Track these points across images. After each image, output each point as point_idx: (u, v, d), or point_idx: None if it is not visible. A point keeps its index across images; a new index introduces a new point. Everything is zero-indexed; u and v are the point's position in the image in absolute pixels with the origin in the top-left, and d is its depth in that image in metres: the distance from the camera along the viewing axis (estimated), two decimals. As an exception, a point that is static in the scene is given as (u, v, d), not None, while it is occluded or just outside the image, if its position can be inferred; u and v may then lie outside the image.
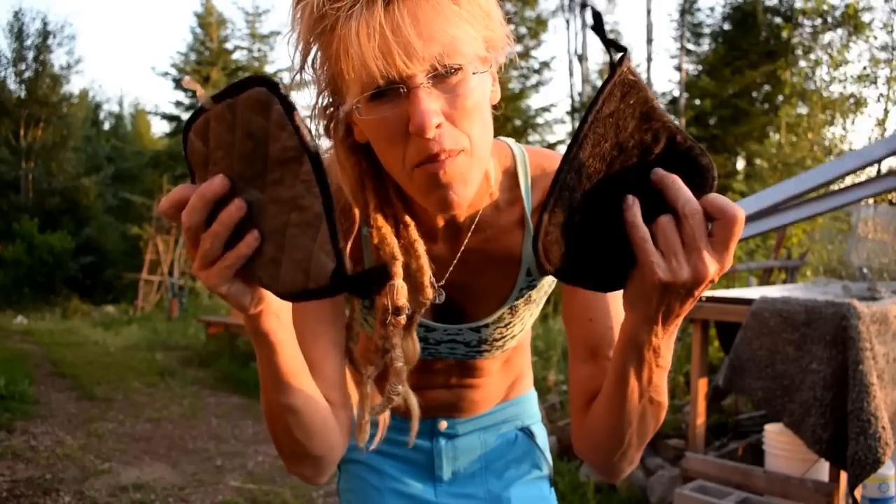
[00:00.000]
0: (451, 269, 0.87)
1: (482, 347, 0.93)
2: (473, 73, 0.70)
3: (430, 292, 0.79)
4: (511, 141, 0.90)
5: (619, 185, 0.63)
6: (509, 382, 1.07)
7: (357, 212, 0.81)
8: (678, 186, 0.61)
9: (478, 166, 0.74)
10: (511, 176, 0.86)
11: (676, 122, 0.63)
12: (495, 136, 0.81)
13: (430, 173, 0.70)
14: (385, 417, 0.83)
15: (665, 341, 0.68)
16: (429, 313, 0.90)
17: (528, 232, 0.87)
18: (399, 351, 0.78)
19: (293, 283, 0.60)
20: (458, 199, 0.72)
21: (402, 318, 0.77)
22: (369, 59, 0.65)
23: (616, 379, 0.73)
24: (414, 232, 0.80)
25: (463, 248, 0.86)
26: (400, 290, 0.76)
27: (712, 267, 0.60)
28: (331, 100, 0.75)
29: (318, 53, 0.72)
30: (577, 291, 0.85)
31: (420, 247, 0.79)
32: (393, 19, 0.65)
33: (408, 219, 0.80)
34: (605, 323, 0.86)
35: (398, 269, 0.77)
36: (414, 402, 0.82)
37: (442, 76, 0.68)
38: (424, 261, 0.79)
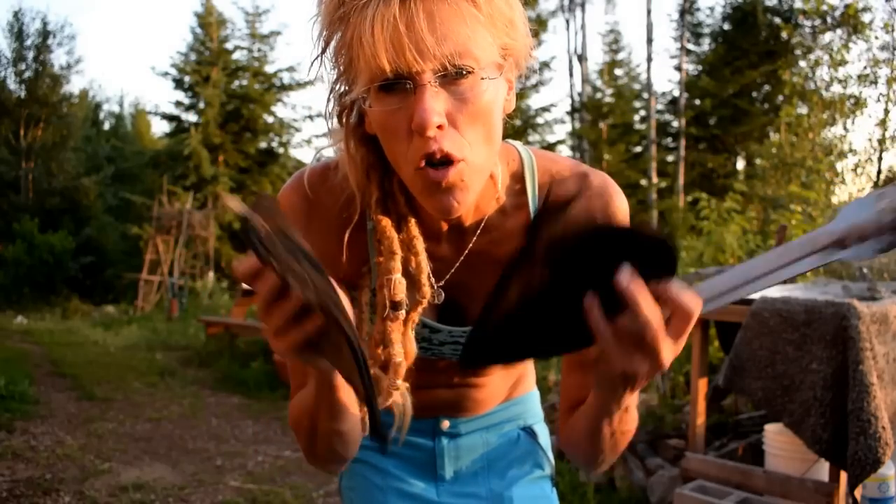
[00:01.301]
0: (454, 270, 0.87)
1: None
2: (484, 79, 0.70)
3: (426, 291, 0.79)
4: (519, 144, 0.89)
5: (576, 281, 0.62)
6: (511, 382, 1.07)
7: (359, 203, 0.81)
8: (639, 298, 0.60)
9: (479, 174, 0.74)
10: (518, 180, 0.86)
11: (641, 218, 0.62)
12: None
13: (431, 180, 0.70)
14: (407, 410, 0.84)
15: (633, 400, 0.74)
16: (433, 314, 0.90)
17: None
18: (398, 347, 0.79)
19: (349, 379, 0.63)
20: (458, 205, 0.73)
21: (401, 314, 0.78)
22: (380, 50, 0.65)
23: (590, 425, 0.78)
24: (414, 228, 0.80)
25: (468, 250, 0.86)
26: (398, 285, 0.77)
27: (669, 356, 0.63)
28: (346, 87, 0.76)
29: (338, 39, 0.72)
30: None
31: (419, 244, 0.79)
32: (408, 14, 0.65)
33: (410, 215, 0.80)
34: None
35: (397, 264, 0.77)
36: (408, 400, 0.83)
37: (451, 77, 0.68)
38: (423, 258, 0.79)
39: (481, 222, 0.85)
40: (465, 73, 0.68)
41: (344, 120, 0.78)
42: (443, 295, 0.87)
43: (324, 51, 0.74)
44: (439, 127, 0.68)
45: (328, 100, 0.78)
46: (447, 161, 0.70)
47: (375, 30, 0.65)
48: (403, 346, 0.80)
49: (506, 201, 0.85)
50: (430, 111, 0.66)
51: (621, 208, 0.85)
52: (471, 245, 0.86)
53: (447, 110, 0.69)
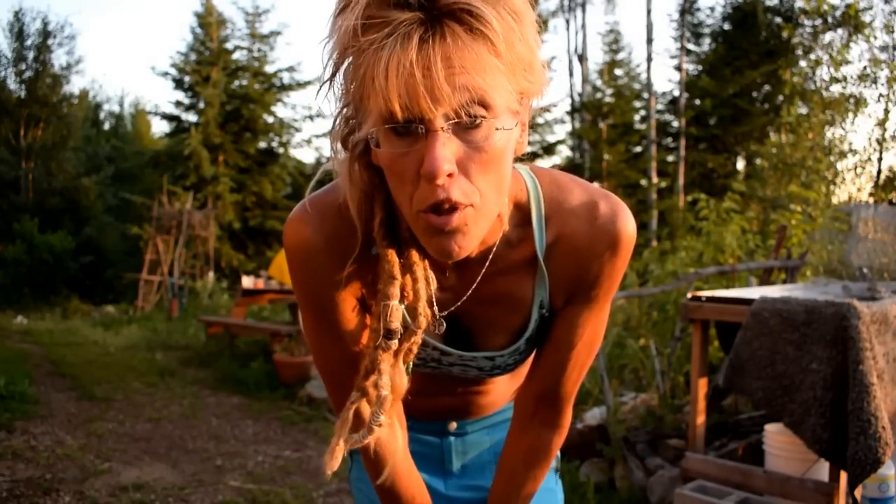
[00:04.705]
0: (461, 301, 0.85)
1: (494, 372, 0.94)
2: (498, 129, 0.67)
3: (422, 321, 0.76)
4: (525, 170, 0.86)
5: None
6: (516, 387, 1.07)
7: (360, 230, 0.78)
8: None
9: (485, 220, 0.72)
10: (523, 211, 0.84)
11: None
12: None
13: (434, 225, 0.69)
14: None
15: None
16: (441, 338, 0.89)
17: (541, 271, 0.85)
18: (386, 379, 0.75)
19: None
20: (459, 250, 0.71)
21: (394, 343, 0.75)
22: (392, 94, 0.63)
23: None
24: (416, 254, 0.77)
25: (476, 282, 0.84)
26: (395, 311, 0.74)
27: None
28: (353, 112, 0.73)
29: (349, 67, 0.69)
30: (559, 349, 0.91)
31: (419, 270, 0.77)
32: (426, 59, 0.62)
33: (413, 240, 0.77)
34: (568, 377, 0.92)
35: (395, 290, 0.75)
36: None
37: (465, 125, 0.66)
38: (422, 285, 0.77)
39: (488, 254, 0.83)
40: (479, 122, 0.66)
41: (350, 145, 0.75)
42: (444, 325, 0.85)
43: (333, 76, 0.71)
44: (449, 175, 0.66)
45: (334, 123, 0.75)
46: (454, 208, 0.68)
47: (390, 74, 0.62)
48: (392, 380, 0.76)
49: (511, 233, 0.83)
50: (441, 159, 0.64)
51: (628, 240, 0.83)
52: (479, 278, 0.84)
53: (458, 157, 0.67)
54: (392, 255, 0.76)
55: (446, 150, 0.65)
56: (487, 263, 0.83)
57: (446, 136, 0.65)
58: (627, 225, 0.82)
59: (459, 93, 0.63)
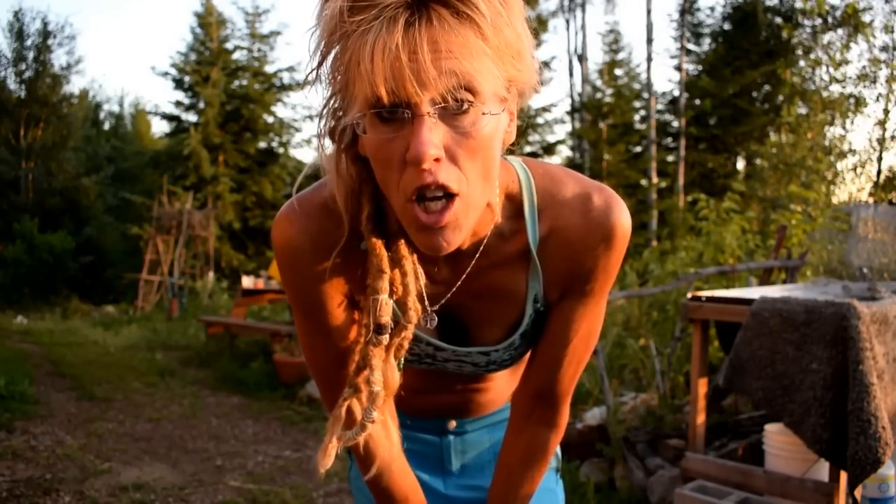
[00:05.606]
0: (451, 293, 0.85)
1: (490, 367, 0.93)
2: (485, 114, 0.67)
3: (412, 315, 0.75)
4: (518, 162, 0.85)
5: None
6: (515, 385, 1.07)
7: (346, 224, 0.78)
8: None
9: (474, 210, 0.71)
10: (515, 203, 0.83)
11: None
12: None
13: (423, 222, 0.68)
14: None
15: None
16: (436, 334, 0.88)
17: (534, 264, 0.84)
18: (378, 374, 0.75)
19: None
20: (448, 245, 0.70)
21: (384, 338, 0.74)
22: (378, 78, 0.62)
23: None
24: (405, 248, 0.76)
25: (466, 273, 0.84)
26: (384, 306, 0.74)
27: None
28: (341, 104, 0.72)
29: (336, 55, 0.69)
30: (553, 346, 0.90)
31: (408, 264, 0.76)
32: (411, 42, 0.62)
33: (401, 234, 0.76)
34: (564, 373, 0.92)
35: (384, 284, 0.74)
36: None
37: (452, 111, 0.65)
38: (411, 279, 0.76)
39: (479, 245, 0.82)
40: (466, 107, 0.65)
41: (336, 137, 0.74)
42: (436, 319, 0.84)
43: (320, 65, 0.70)
44: (436, 160, 0.65)
45: (321, 115, 0.74)
46: (442, 195, 0.67)
47: (376, 57, 0.62)
48: (384, 375, 0.75)
49: (503, 224, 0.82)
50: (428, 143, 0.64)
51: (623, 232, 0.82)
52: (469, 269, 0.83)
53: (445, 143, 0.66)
54: (380, 249, 0.75)
55: (433, 134, 0.64)
56: (479, 255, 0.82)
57: (433, 121, 0.65)
58: (622, 218, 0.81)
59: (446, 77, 0.63)
